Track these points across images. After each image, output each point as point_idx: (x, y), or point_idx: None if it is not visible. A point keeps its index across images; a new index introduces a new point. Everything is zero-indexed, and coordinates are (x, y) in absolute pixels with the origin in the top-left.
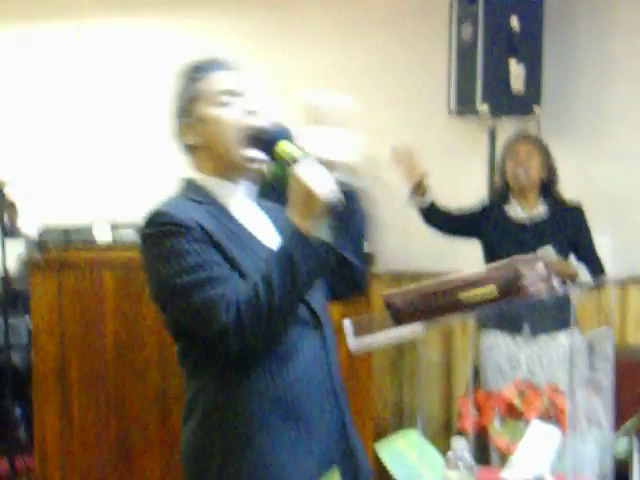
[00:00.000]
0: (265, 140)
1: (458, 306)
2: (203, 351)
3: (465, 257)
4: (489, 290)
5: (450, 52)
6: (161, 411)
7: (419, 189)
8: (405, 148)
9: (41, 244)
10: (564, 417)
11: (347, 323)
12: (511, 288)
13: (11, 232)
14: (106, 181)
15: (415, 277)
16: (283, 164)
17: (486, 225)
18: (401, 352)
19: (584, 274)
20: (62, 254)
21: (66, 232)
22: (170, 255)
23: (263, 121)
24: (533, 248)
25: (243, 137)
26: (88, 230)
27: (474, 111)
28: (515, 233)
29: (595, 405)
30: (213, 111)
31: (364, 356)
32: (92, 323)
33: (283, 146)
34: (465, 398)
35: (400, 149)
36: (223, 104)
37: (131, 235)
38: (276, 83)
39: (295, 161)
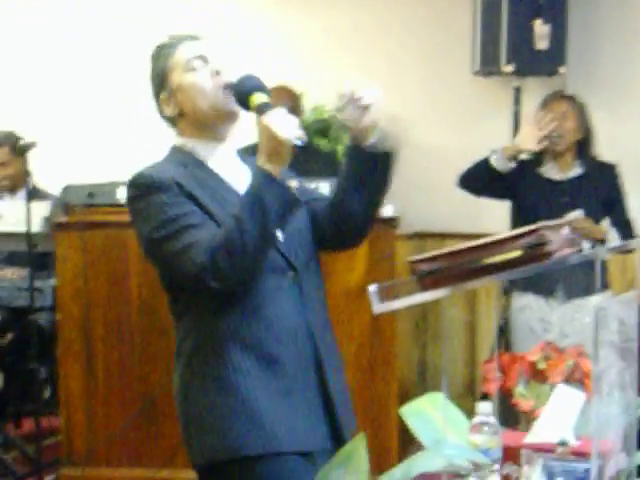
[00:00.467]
0: (239, 93)
1: (484, 271)
2: (187, 297)
3: (489, 217)
4: (514, 255)
5: (474, 11)
6: None
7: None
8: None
9: (65, 204)
10: (589, 380)
11: (372, 289)
12: (537, 253)
13: (36, 193)
14: (130, 140)
15: (439, 237)
16: (257, 114)
17: (521, 186)
18: (425, 313)
19: (615, 237)
20: (86, 214)
21: (90, 192)
22: (150, 211)
23: (232, 77)
24: (567, 209)
25: (218, 94)
26: (112, 190)
27: (498, 71)
28: (550, 194)
29: (621, 368)
30: (185, 77)
31: (388, 318)
32: (117, 283)
33: (254, 98)
34: (489, 361)
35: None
36: (193, 69)
37: None
38: (295, 42)
39: (264, 110)
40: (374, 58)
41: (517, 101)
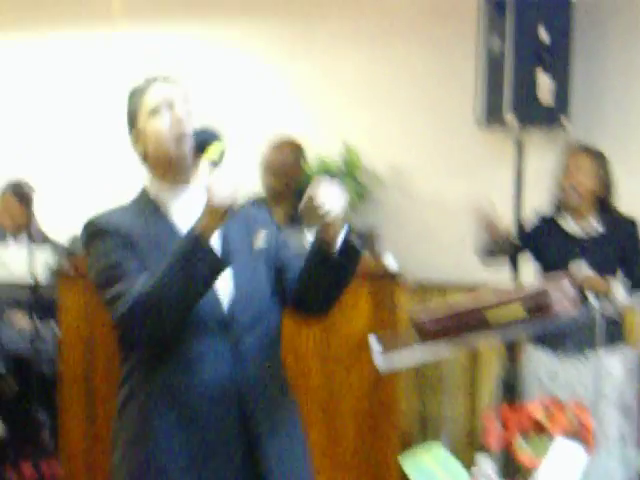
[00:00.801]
0: (196, 144)
1: (485, 325)
2: (127, 345)
3: (492, 267)
4: (515, 308)
5: (478, 62)
6: None
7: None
8: (486, 208)
9: (70, 253)
10: (589, 435)
11: (372, 339)
12: (537, 306)
13: (40, 238)
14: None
15: (441, 288)
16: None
17: (540, 239)
18: (425, 364)
19: (621, 291)
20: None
21: None
22: (92, 258)
23: (191, 127)
24: (585, 262)
25: (176, 142)
26: None
27: (501, 122)
28: (567, 247)
29: (620, 422)
30: (148, 121)
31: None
32: None
33: (206, 152)
34: (490, 412)
35: (481, 208)
36: (156, 113)
37: None
38: (303, 91)
39: (210, 167)
40: (378, 109)
41: (520, 151)
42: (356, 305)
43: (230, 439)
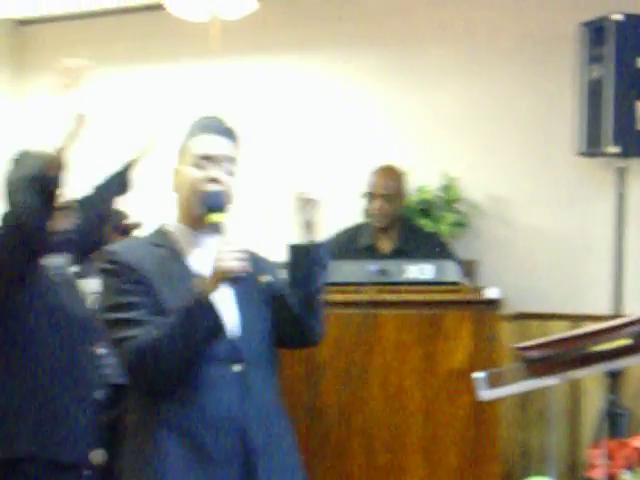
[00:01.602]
0: (206, 204)
1: (592, 358)
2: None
3: (592, 298)
4: (620, 338)
5: (579, 92)
6: None
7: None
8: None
9: None
10: None
11: (479, 377)
12: None
13: None
14: None
15: (543, 319)
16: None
17: None
18: (528, 393)
19: None
20: None
21: None
22: (106, 291)
23: (215, 189)
24: None
25: (197, 199)
26: None
27: (602, 152)
28: None
29: None
30: (186, 168)
31: (492, 401)
32: None
33: (213, 217)
34: (595, 446)
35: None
36: (195, 165)
37: None
38: (402, 122)
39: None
40: (478, 139)
41: (621, 182)
42: (458, 334)
43: (231, 471)
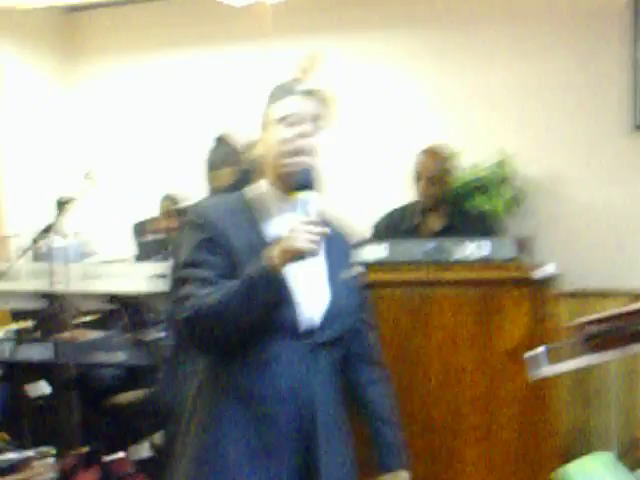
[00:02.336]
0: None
1: None
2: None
3: None
4: None
5: (629, 68)
6: None
7: None
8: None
9: None
10: None
11: (538, 352)
12: None
13: None
14: None
15: (601, 295)
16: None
17: None
18: (587, 372)
19: None
20: None
21: None
22: (185, 246)
23: (303, 162)
24: None
25: (292, 156)
26: None
27: None
28: None
29: None
30: (273, 128)
31: (550, 379)
32: None
33: (299, 194)
34: None
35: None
36: (282, 123)
37: None
38: (450, 102)
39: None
40: (532, 117)
41: None
42: (514, 312)
43: (291, 441)
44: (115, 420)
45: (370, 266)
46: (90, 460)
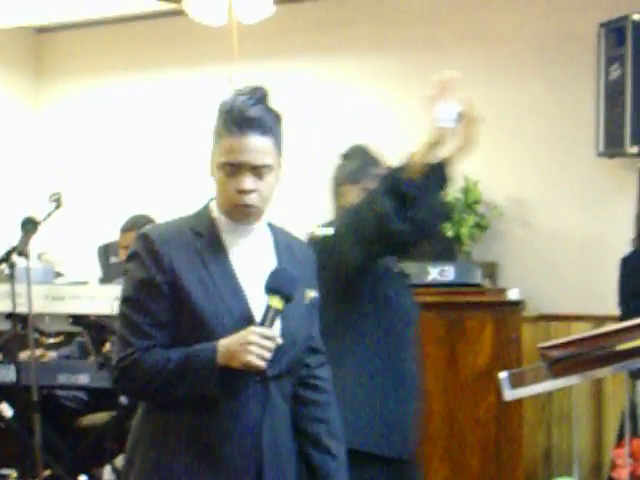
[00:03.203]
0: (268, 285)
1: (615, 358)
2: None
3: (615, 299)
4: None
5: (598, 93)
6: None
7: None
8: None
9: None
10: None
11: (503, 376)
12: None
13: None
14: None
15: (565, 320)
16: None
17: None
18: (550, 394)
19: None
20: None
21: None
22: (128, 279)
23: (269, 189)
24: None
25: (235, 210)
26: None
27: (623, 153)
28: None
29: None
30: (219, 171)
31: (514, 403)
32: None
33: (273, 301)
34: (619, 446)
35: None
36: (225, 169)
37: None
38: (416, 126)
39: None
40: (498, 141)
41: None
42: (480, 336)
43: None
44: (78, 443)
45: None
46: None
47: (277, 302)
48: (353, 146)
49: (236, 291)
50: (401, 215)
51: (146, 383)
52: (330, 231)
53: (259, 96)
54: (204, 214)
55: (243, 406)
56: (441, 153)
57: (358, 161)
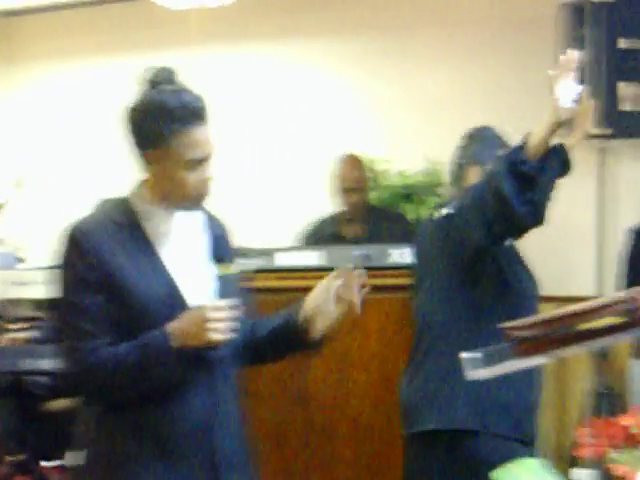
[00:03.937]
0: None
1: (579, 337)
2: None
3: (579, 280)
4: (610, 321)
5: None
6: None
7: None
8: None
9: None
10: None
11: (467, 357)
12: (632, 319)
13: None
14: None
15: None
16: None
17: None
18: None
19: None
20: None
21: None
22: (63, 281)
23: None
24: None
25: (197, 199)
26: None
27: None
28: None
29: None
30: (177, 172)
31: None
32: None
33: (221, 267)
34: (582, 426)
35: None
36: (190, 167)
37: None
38: (380, 108)
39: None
40: (459, 123)
41: (602, 164)
42: None
43: (200, 472)
44: (50, 427)
45: (296, 272)
46: (26, 468)
47: (225, 268)
48: (477, 127)
49: (163, 275)
50: (521, 198)
51: (105, 384)
52: (450, 211)
53: (182, 84)
54: (124, 205)
55: (193, 400)
56: (561, 135)
57: (483, 142)
